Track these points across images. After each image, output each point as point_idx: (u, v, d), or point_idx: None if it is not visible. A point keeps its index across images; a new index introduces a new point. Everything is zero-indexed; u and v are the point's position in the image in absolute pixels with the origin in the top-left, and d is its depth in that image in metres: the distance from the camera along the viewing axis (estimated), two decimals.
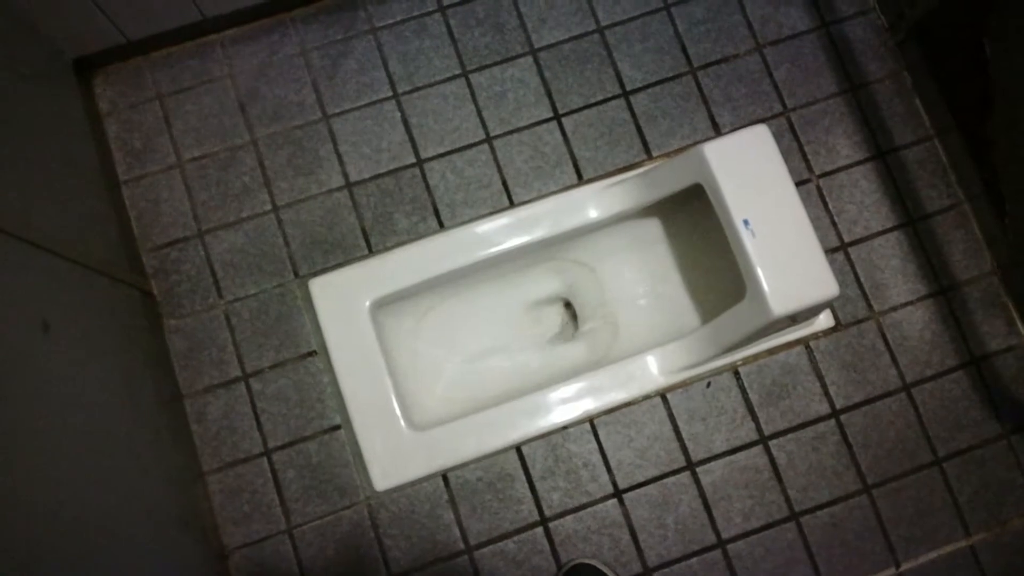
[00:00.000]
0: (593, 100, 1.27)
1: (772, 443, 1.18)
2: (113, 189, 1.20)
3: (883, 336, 1.21)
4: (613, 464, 1.16)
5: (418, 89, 1.27)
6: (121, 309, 1.08)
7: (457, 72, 1.27)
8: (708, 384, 1.18)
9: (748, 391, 1.19)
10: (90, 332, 0.98)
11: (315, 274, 1.19)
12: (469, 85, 1.27)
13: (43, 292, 0.89)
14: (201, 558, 1.06)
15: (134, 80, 1.26)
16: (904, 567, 1.16)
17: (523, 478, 1.16)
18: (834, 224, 1.24)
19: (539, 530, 1.15)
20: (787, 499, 1.17)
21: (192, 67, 1.26)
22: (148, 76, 1.26)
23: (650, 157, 1.25)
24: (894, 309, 1.22)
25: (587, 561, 1.12)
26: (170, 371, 1.16)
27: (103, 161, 1.19)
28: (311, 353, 1.18)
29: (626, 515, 1.15)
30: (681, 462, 1.17)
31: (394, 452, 1.13)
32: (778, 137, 1.05)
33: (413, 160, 1.24)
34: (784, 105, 1.28)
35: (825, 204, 1.25)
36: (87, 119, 1.19)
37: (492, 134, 1.25)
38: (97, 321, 1.00)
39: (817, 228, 1.02)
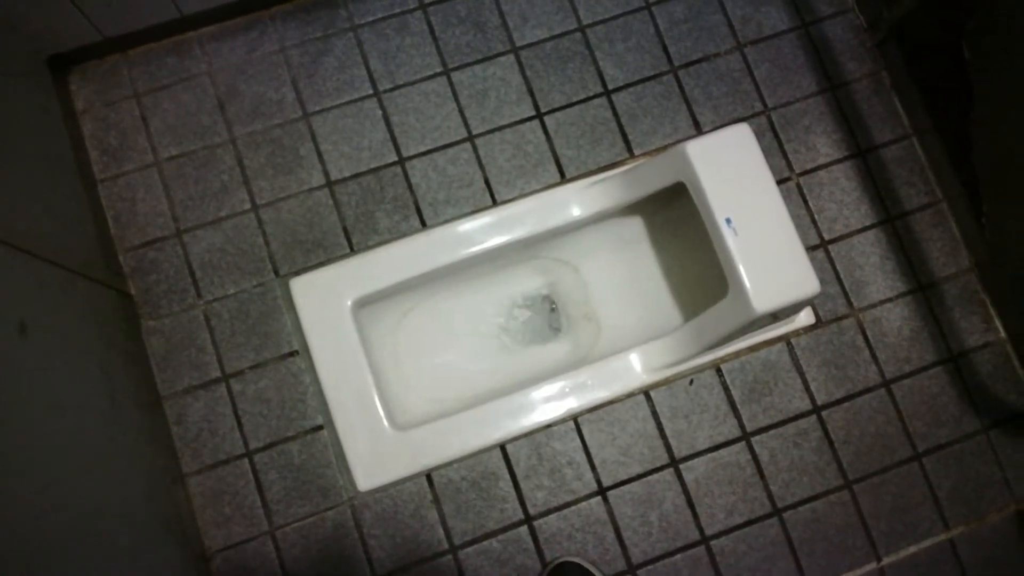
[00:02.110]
0: (575, 99, 1.27)
1: (754, 440, 1.18)
2: (90, 188, 1.18)
3: (863, 333, 1.22)
4: (597, 462, 1.16)
5: (399, 87, 1.26)
6: (99, 310, 1.06)
7: (439, 70, 1.27)
8: (691, 381, 1.19)
9: (730, 388, 1.19)
10: (67, 334, 0.96)
11: (296, 273, 1.18)
12: (451, 83, 1.27)
13: (19, 293, 0.87)
14: (182, 561, 1.05)
15: (111, 78, 1.24)
16: (885, 561, 1.17)
17: (507, 477, 1.15)
18: (814, 222, 1.25)
19: (523, 529, 1.14)
20: (769, 495, 1.17)
21: (170, 65, 1.25)
22: (125, 74, 1.24)
23: (632, 156, 1.25)
24: (873, 306, 1.23)
25: (572, 559, 1.12)
26: (149, 372, 1.15)
27: (79, 160, 1.17)
28: (292, 353, 1.17)
29: (610, 513, 1.16)
30: (664, 459, 1.17)
31: (377, 452, 1.12)
32: (759, 136, 1.06)
33: (395, 158, 1.23)
34: (764, 104, 1.29)
35: (805, 202, 1.26)
36: (63, 117, 1.17)
37: (474, 132, 1.25)
38: (74, 322, 0.99)
39: (797, 226, 1.03)
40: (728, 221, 1.01)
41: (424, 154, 1.24)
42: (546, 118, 1.26)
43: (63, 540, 0.81)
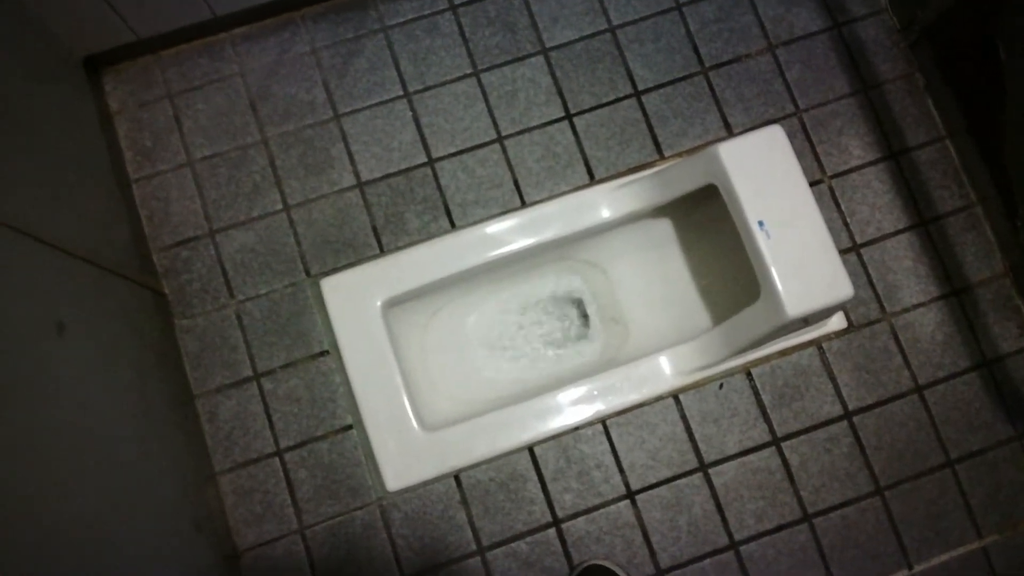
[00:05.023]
0: (605, 100, 1.27)
1: (785, 444, 1.18)
2: (124, 188, 1.19)
3: (895, 337, 1.21)
4: (626, 465, 1.16)
5: (429, 88, 1.26)
6: (133, 309, 1.07)
7: (468, 71, 1.27)
8: (721, 385, 1.18)
9: (761, 392, 1.18)
10: (103, 332, 0.97)
11: (326, 274, 1.19)
12: (480, 84, 1.27)
13: (58, 292, 0.89)
14: (213, 559, 1.06)
15: (144, 79, 1.25)
16: (917, 569, 1.16)
17: (535, 479, 1.15)
18: (846, 225, 1.24)
19: (552, 531, 1.14)
20: (800, 501, 1.16)
21: (202, 65, 1.26)
22: (158, 74, 1.25)
23: (662, 157, 1.25)
24: (906, 310, 1.22)
25: (600, 562, 1.11)
26: (182, 371, 1.16)
27: (114, 160, 1.18)
28: (323, 353, 1.18)
29: (639, 516, 1.15)
30: (694, 463, 1.17)
31: (406, 452, 1.12)
32: (790, 137, 1.05)
33: (424, 159, 1.24)
34: (796, 105, 1.27)
35: (837, 205, 1.25)
36: (97, 118, 1.18)
37: (503, 134, 1.25)
38: (110, 321, 1.00)
39: (829, 229, 1.02)
40: (761, 224, 1.00)
41: (454, 155, 1.24)
42: (575, 119, 1.26)
43: (94, 536, 0.82)
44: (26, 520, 0.71)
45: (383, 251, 1.21)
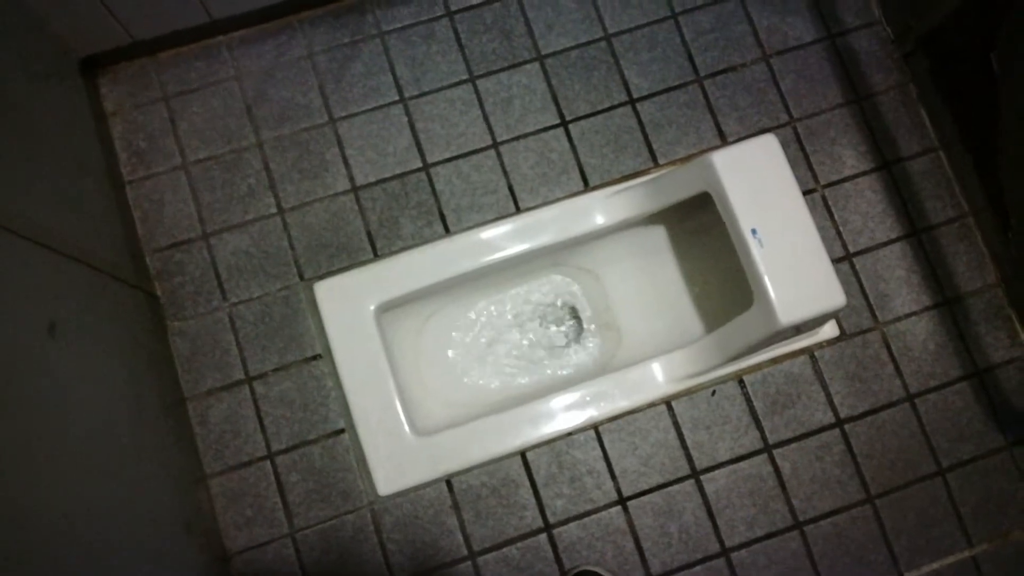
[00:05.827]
0: (600, 107, 1.27)
1: (776, 452, 1.18)
2: (118, 190, 1.19)
3: (887, 346, 1.22)
4: (617, 471, 1.16)
5: (425, 94, 1.26)
6: (125, 311, 1.07)
7: (464, 77, 1.27)
8: (713, 392, 1.18)
9: (753, 400, 1.19)
10: (95, 334, 0.97)
11: (320, 277, 1.19)
12: (476, 90, 1.27)
13: (50, 293, 0.88)
14: (203, 562, 1.05)
15: (140, 80, 1.25)
16: None
17: (527, 484, 1.15)
18: (839, 234, 1.25)
19: (543, 536, 1.14)
20: (791, 508, 1.17)
21: (198, 68, 1.26)
22: (154, 77, 1.25)
23: (656, 165, 1.25)
24: (898, 320, 1.23)
25: (591, 568, 1.11)
26: (173, 373, 1.16)
27: (108, 161, 1.18)
28: (315, 357, 1.17)
29: (630, 523, 1.15)
30: (685, 470, 1.17)
31: (398, 457, 1.12)
32: (784, 147, 1.05)
33: (419, 165, 1.24)
34: (790, 115, 1.28)
35: (830, 214, 1.25)
36: (92, 119, 1.18)
37: (499, 140, 1.25)
38: (102, 323, 0.99)
39: (822, 238, 1.02)
40: (754, 232, 1.01)
41: (449, 160, 1.24)
42: (570, 126, 1.26)
43: (84, 538, 0.82)
44: (15, 520, 0.71)
45: (377, 255, 1.21)
